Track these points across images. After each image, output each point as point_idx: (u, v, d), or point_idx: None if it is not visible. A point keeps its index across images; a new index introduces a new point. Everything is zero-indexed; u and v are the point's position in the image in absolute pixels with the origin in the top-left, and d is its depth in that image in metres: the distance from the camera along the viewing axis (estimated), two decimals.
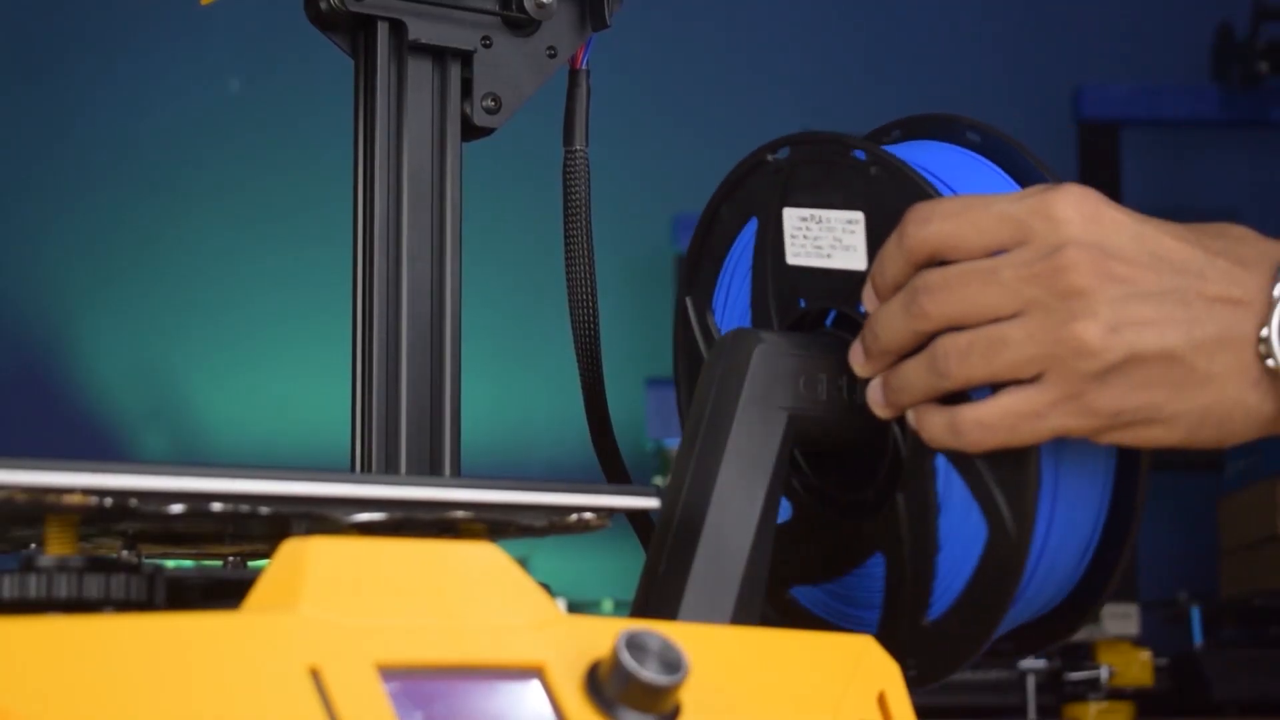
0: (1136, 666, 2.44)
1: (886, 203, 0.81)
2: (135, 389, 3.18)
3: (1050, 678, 2.45)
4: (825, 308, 0.85)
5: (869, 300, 0.82)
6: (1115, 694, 2.44)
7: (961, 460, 0.80)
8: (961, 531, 0.80)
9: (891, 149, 0.84)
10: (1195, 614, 2.69)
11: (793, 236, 0.85)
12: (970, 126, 0.87)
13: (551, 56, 0.98)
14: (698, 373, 0.90)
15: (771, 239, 0.86)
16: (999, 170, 0.86)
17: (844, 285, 0.83)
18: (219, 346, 3.19)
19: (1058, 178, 0.83)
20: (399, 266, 0.94)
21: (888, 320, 0.80)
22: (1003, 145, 0.86)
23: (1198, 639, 2.69)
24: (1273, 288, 0.77)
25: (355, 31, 0.95)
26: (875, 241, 0.81)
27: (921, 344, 0.80)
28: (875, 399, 0.82)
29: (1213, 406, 0.77)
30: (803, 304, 0.85)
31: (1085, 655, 2.46)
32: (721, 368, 0.81)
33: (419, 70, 0.95)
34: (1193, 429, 0.77)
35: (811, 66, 3.28)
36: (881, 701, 0.70)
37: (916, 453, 0.81)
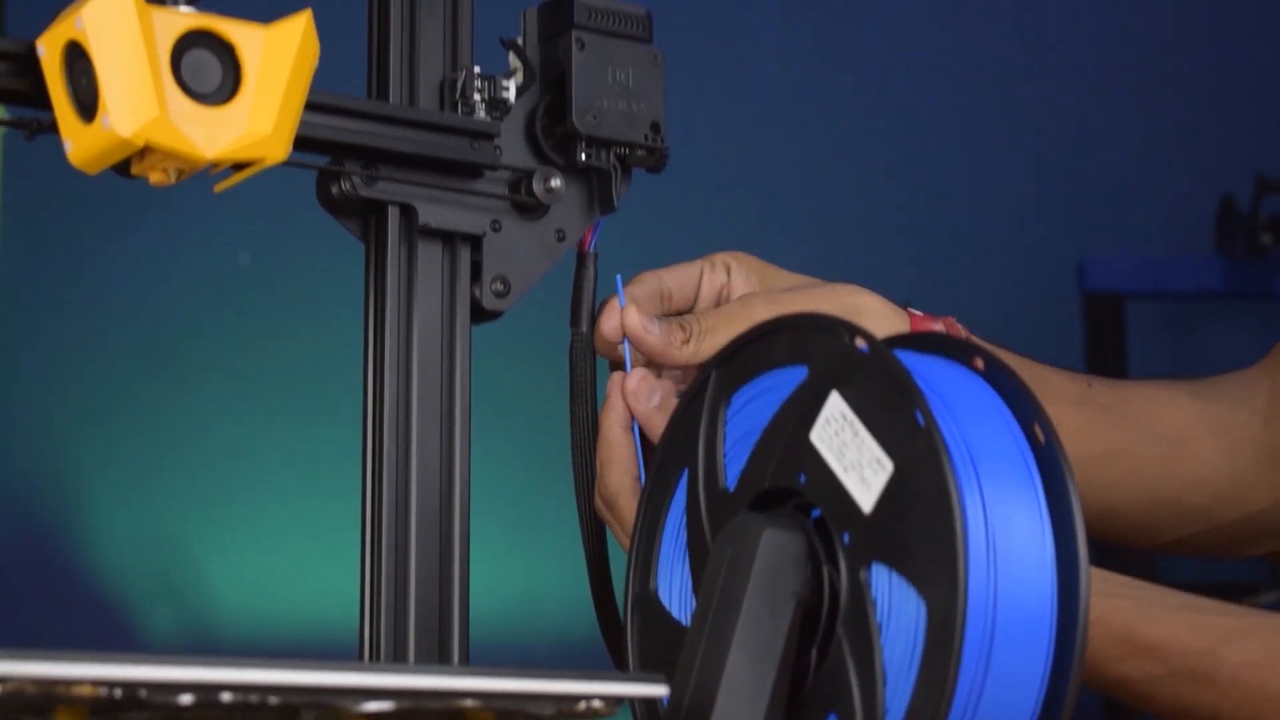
0: None
1: (914, 472, 0.79)
2: (144, 565, 3.18)
3: None
4: (811, 505, 0.84)
5: None
6: None
7: (894, 554, 0.79)
8: (901, 633, 0.78)
9: (901, 355, 0.84)
10: None
11: (827, 421, 0.84)
12: (978, 351, 0.86)
13: (560, 240, 1.00)
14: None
15: (809, 400, 0.85)
16: (1002, 402, 0.85)
17: (841, 502, 0.82)
18: (228, 521, 3.19)
19: (1052, 428, 0.83)
20: (408, 452, 0.94)
21: None
22: (1009, 381, 0.85)
23: None
24: None
25: (366, 216, 0.96)
26: (890, 496, 0.80)
27: None
28: None
29: None
30: (802, 479, 0.85)
31: None
32: (730, 551, 0.82)
33: (429, 254, 0.96)
34: None
35: (815, 228, 3.30)
36: None
37: (853, 577, 0.80)
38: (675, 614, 0.89)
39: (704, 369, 0.90)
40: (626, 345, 0.99)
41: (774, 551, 0.81)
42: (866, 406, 0.82)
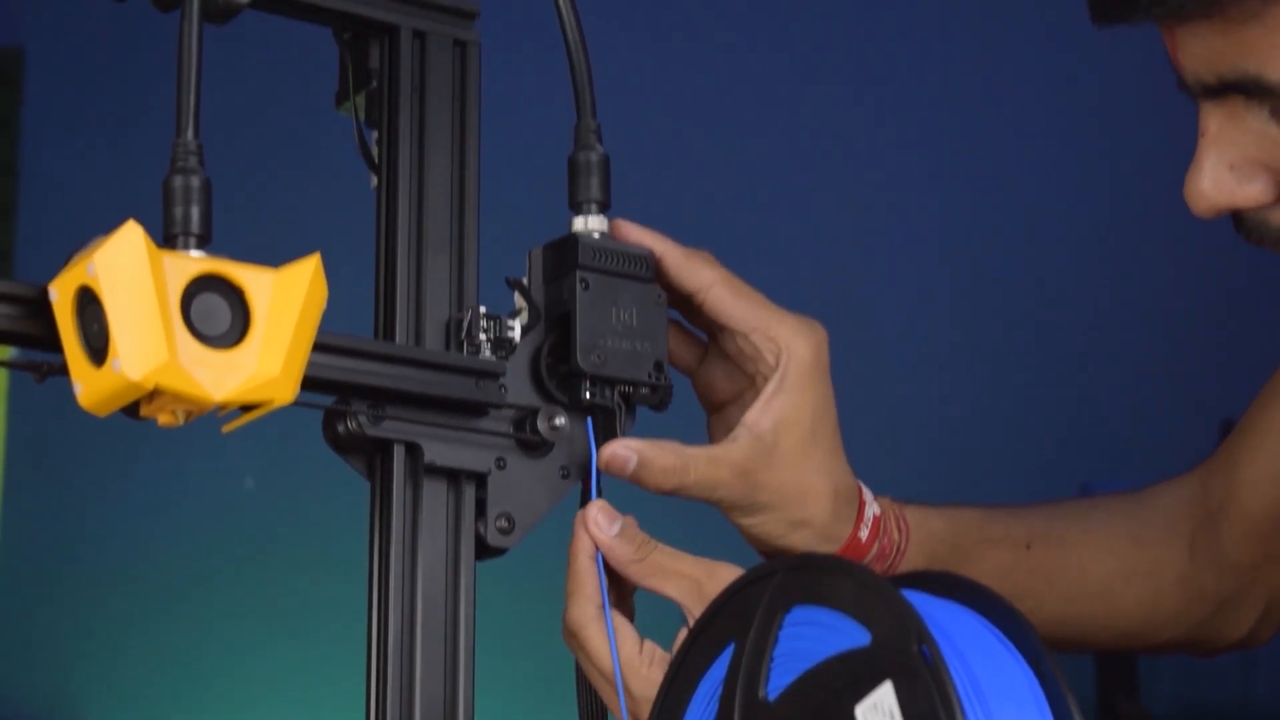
0: None
1: None
2: None
3: None
4: None
5: None
6: None
7: None
8: None
9: (967, 632, 0.84)
10: None
11: (875, 706, 0.82)
12: (1041, 654, 0.85)
13: (565, 477, 1.00)
14: None
15: (863, 672, 0.84)
16: (1045, 708, 0.84)
17: None
18: None
19: None
20: (412, 687, 0.94)
21: None
22: (1057, 690, 0.84)
23: None
24: None
25: (372, 453, 0.96)
26: None
27: None
28: None
29: None
30: None
31: None
32: None
33: (434, 491, 0.96)
34: None
35: None
36: None
37: None
38: None
39: (775, 564, 0.89)
40: (594, 471, 1.00)
41: None
42: (915, 716, 0.81)
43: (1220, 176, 0.91)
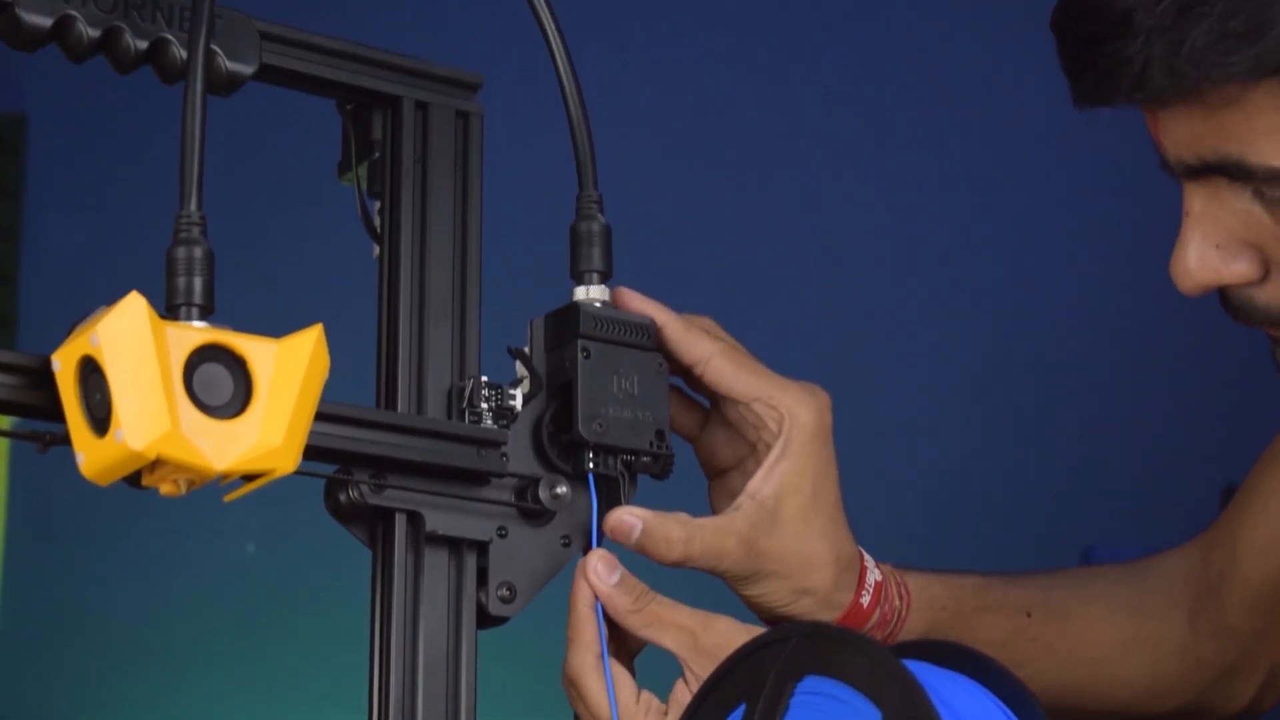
0: None
1: None
2: None
3: None
4: None
5: None
6: None
7: None
8: None
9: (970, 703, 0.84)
10: None
11: None
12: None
13: (566, 545, 1.00)
14: None
15: None
16: None
17: None
18: None
19: None
20: None
21: None
22: None
23: None
24: None
25: (373, 522, 0.96)
26: None
27: None
28: None
29: None
30: None
31: None
32: None
33: (435, 560, 0.97)
34: None
35: None
36: None
37: None
38: None
39: (790, 628, 0.89)
40: (595, 522, 1.01)
41: None
42: None
43: (1205, 255, 0.91)
